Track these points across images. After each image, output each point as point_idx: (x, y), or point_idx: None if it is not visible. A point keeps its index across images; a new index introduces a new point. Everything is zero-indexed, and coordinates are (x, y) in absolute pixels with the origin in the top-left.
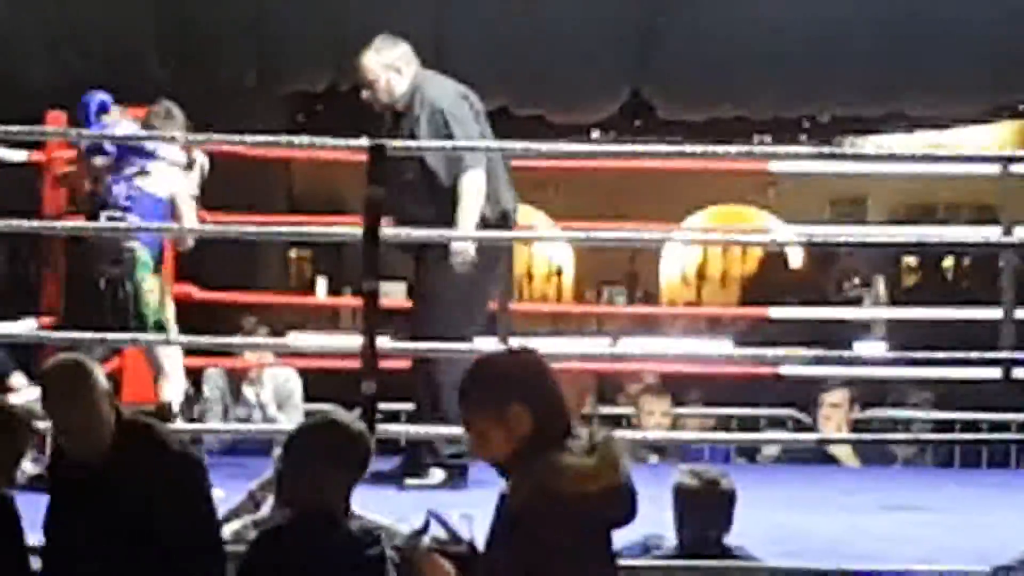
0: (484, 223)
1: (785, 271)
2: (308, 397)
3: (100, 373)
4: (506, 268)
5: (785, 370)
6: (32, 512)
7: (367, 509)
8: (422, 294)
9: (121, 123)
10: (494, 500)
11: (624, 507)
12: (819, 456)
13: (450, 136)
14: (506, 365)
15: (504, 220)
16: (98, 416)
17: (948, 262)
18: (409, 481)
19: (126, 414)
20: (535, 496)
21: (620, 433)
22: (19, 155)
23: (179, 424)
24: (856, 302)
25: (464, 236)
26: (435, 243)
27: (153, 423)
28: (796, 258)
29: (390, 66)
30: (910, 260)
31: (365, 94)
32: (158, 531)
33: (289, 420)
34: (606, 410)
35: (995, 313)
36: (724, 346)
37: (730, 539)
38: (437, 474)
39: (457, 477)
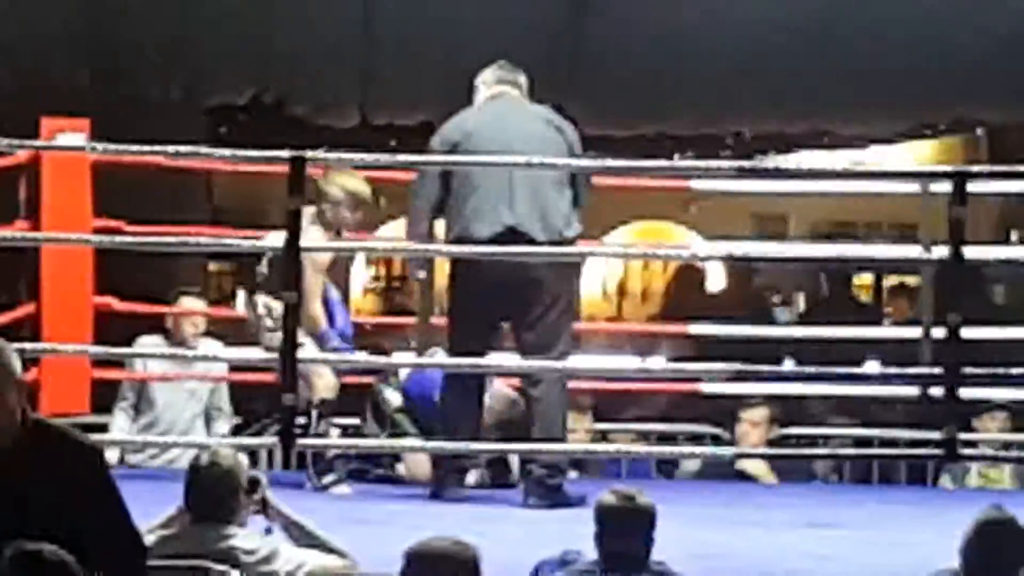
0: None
1: (703, 289)
2: (236, 409)
3: (14, 362)
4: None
5: (707, 388)
6: None
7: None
8: None
9: None
10: None
11: None
12: (737, 474)
13: None
14: None
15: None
16: (5, 405)
17: (864, 280)
18: None
19: (31, 414)
20: None
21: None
22: None
23: None
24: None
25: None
26: None
27: (63, 425)
28: (717, 278)
29: (476, 87)
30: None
31: None
32: (68, 524)
33: None
34: None
35: (914, 332)
36: (652, 363)
37: (652, 556)
38: None
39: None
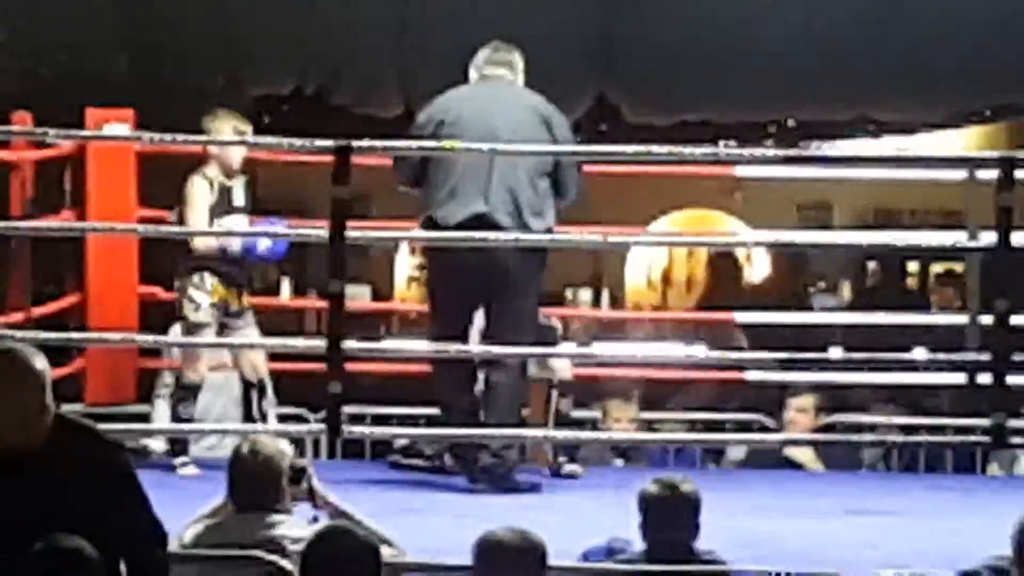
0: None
1: (738, 278)
2: (278, 399)
3: (41, 364)
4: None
5: (751, 376)
6: None
7: None
8: None
9: None
10: None
11: None
12: (783, 462)
13: None
14: None
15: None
16: (32, 407)
17: (910, 268)
18: None
19: (63, 413)
20: None
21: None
22: None
23: None
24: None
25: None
26: None
27: (86, 421)
28: (762, 267)
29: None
30: (874, 265)
31: None
32: (91, 519)
33: None
34: (577, 414)
35: (961, 319)
36: (695, 351)
37: (699, 544)
38: None
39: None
